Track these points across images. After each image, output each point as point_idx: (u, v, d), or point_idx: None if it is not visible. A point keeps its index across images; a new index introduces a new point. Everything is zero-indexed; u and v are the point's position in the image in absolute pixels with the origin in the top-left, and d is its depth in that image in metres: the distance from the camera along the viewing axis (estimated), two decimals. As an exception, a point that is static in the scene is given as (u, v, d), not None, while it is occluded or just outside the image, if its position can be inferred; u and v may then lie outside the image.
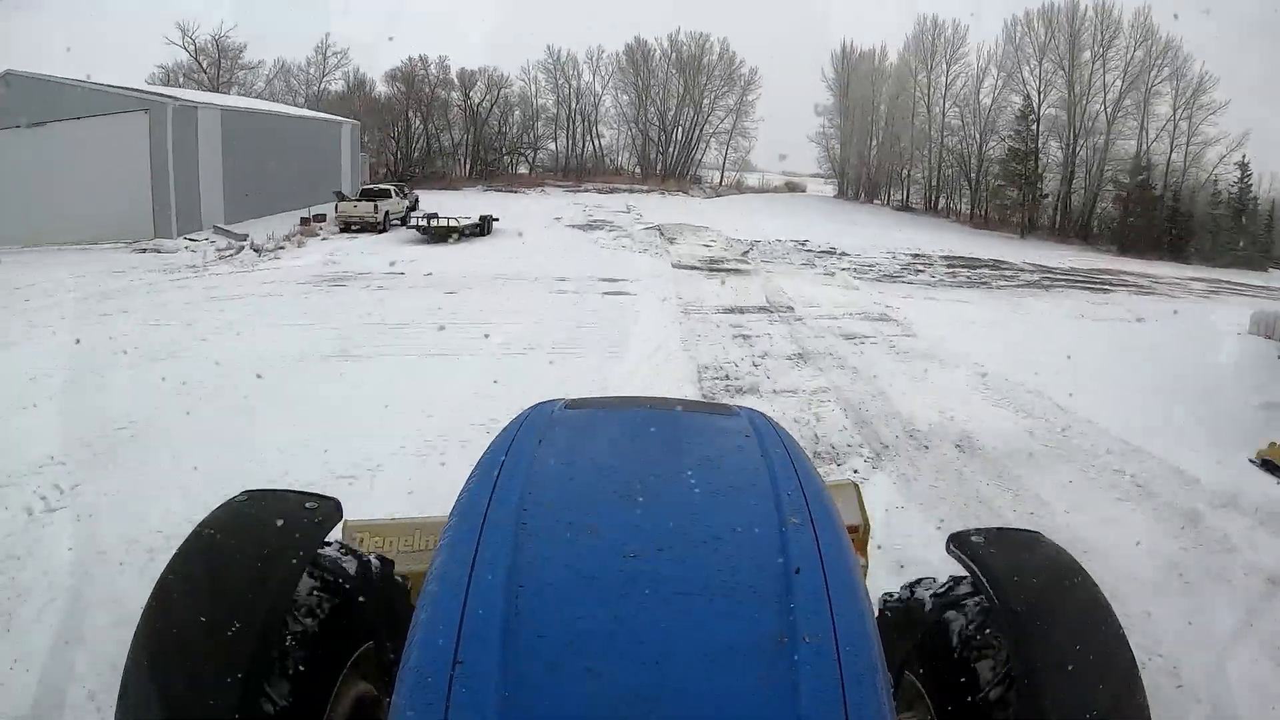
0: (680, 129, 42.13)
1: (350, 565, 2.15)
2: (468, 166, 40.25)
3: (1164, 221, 30.58)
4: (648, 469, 1.95)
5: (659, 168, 41.50)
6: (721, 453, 2.10)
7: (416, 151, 39.65)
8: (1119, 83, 33.32)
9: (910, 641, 2.18)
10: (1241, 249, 29.46)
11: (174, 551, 1.90)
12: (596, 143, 42.72)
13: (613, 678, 1.32)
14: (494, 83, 40.50)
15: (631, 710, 1.28)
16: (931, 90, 38.50)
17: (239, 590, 1.77)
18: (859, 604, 1.52)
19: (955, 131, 38.03)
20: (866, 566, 3.89)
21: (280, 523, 1.95)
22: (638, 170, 41.38)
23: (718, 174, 42.44)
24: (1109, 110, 33.50)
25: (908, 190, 40.40)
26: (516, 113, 41.02)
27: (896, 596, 2.35)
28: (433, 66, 39.95)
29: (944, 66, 38.07)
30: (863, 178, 41.50)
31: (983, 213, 36.41)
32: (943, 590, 2.21)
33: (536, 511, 1.70)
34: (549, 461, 1.95)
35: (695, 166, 42.65)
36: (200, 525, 1.98)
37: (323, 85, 39.06)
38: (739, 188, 40.67)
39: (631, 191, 37.09)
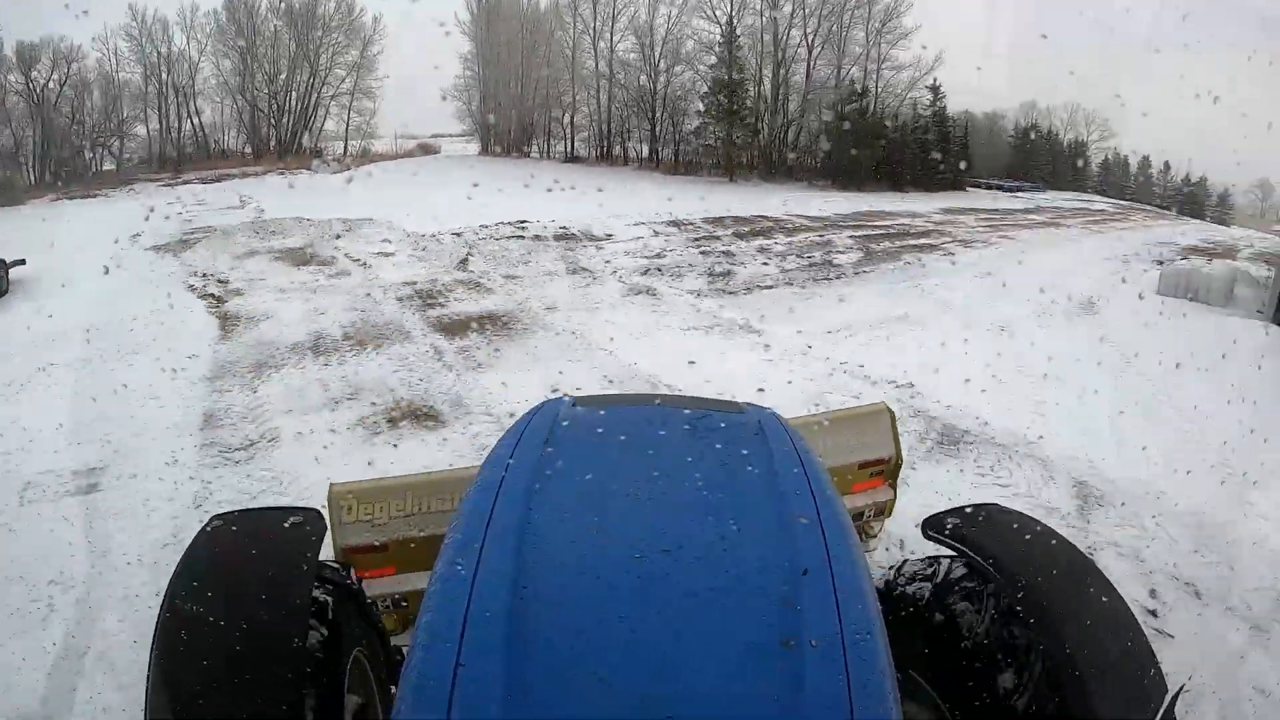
0: (294, 95, 34.70)
1: (344, 573, 2.20)
2: (39, 170, 30.54)
3: (880, 150, 29.67)
4: (654, 469, 1.91)
5: (273, 144, 34.23)
6: (729, 452, 2.02)
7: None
8: (820, 7, 31.63)
9: (913, 636, 2.11)
10: (944, 172, 29.80)
11: (168, 580, 1.86)
12: (195, 122, 33.61)
13: (618, 682, 1.29)
14: (61, 55, 30.54)
15: (637, 715, 1.25)
16: (599, 22, 33.38)
17: (259, 607, 1.78)
18: (867, 606, 1.49)
19: (632, 67, 32.89)
20: (894, 502, 3.91)
21: (277, 539, 2.02)
22: (249, 150, 33.81)
23: (342, 144, 35.91)
24: (810, 38, 31.80)
25: (572, 139, 34.79)
26: (95, 93, 31.25)
27: (896, 588, 2.29)
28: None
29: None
30: (511, 129, 35.57)
31: (673, 156, 32.47)
32: (930, 571, 2.22)
33: (542, 512, 1.67)
34: (555, 461, 1.91)
35: (316, 138, 35.65)
36: (188, 553, 1.98)
37: None
38: (368, 157, 34.61)
39: (245, 175, 29.12)
